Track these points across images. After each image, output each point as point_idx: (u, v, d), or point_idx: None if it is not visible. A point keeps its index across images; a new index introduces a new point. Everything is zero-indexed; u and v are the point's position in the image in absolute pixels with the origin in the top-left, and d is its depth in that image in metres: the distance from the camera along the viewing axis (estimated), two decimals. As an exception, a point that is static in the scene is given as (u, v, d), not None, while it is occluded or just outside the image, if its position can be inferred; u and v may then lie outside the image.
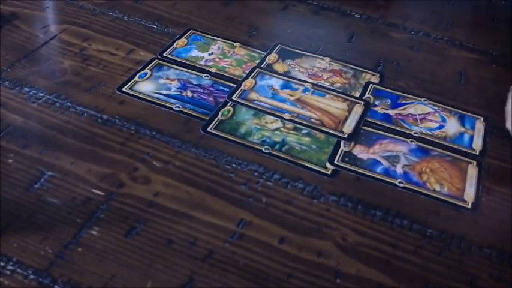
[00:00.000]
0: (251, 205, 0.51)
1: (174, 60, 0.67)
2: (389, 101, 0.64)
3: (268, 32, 0.74)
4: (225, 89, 0.63)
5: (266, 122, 0.60)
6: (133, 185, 0.52)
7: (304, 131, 0.59)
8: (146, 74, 0.65)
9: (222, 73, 0.66)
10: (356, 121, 0.61)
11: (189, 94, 0.62)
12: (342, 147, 0.58)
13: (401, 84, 0.67)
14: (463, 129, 0.62)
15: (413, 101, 0.65)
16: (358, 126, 0.60)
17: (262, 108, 0.61)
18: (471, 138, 0.61)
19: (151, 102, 0.61)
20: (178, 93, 0.62)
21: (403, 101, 0.65)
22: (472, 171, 0.57)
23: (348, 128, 0.60)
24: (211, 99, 0.62)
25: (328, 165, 0.56)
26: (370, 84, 0.67)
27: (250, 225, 0.49)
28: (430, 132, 0.61)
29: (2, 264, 0.44)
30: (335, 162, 0.56)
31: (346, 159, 0.56)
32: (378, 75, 0.68)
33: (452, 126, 0.62)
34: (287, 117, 0.60)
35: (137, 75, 0.64)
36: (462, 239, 0.50)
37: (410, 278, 0.46)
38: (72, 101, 0.60)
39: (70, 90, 0.62)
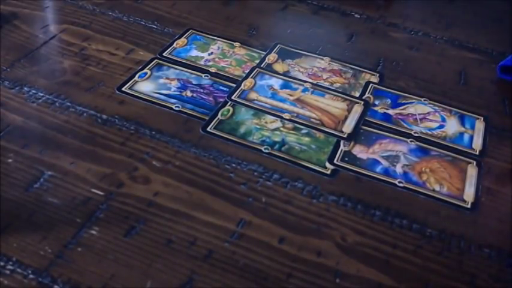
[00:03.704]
0: (251, 205, 0.51)
1: (174, 60, 0.67)
2: (389, 101, 0.64)
3: (268, 31, 0.74)
4: (225, 89, 0.63)
5: (266, 122, 0.60)
6: (133, 185, 0.52)
7: (303, 131, 0.59)
8: (146, 73, 0.65)
9: (222, 73, 0.66)
10: (356, 121, 0.61)
11: (189, 94, 0.62)
12: (342, 147, 0.58)
13: (401, 84, 0.67)
14: (463, 129, 0.62)
15: (413, 100, 0.65)
16: (358, 126, 0.60)
17: (261, 108, 0.61)
18: (471, 138, 0.61)
19: (151, 102, 0.61)
20: (178, 93, 0.62)
21: (403, 101, 0.65)
22: (472, 171, 0.57)
23: (348, 127, 0.60)
24: (211, 99, 0.62)
25: (327, 165, 0.56)
26: (370, 84, 0.67)
27: (250, 225, 0.49)
28: (430, 132, 0.61)
29: (2, 263, 0.44)
30: (335, 162, 0.56)
31: (346, 159, 0.56)
32: (378, 75, 0.68)
33: (452, 126, 0.62)
34: (287, 117, 0.60)
35: (137, 75, 0.64)
36: (462, 238, 0.50)
37: (410, 278, 0.46)
38: (72, 100, 0.60)
39: (70, 90, 0.62)
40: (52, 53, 0.67)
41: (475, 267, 0.48)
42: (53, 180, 0.51)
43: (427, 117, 0.63)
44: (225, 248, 0.47)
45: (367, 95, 0.65)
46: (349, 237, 0.49)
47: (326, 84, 0.66)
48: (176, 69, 0.66)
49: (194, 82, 0.64)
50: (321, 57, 0.70)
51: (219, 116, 0.60)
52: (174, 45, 0.70)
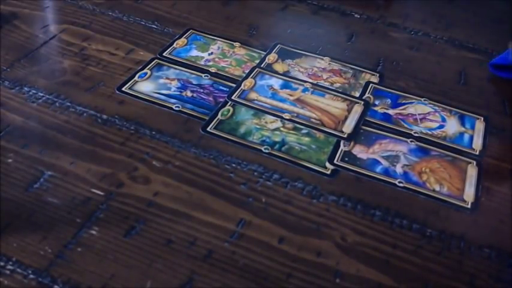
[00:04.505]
0: (251, 205, 0.51)
1: (174, 60, 0.67)
2: (389, 101, 0.64)
3: (268, 31, 0.74)
4: (225, 89, 0.63)
5: (266, 122, 0.60)
6: (132, 185, 0.52)
7: (303, 131, 0.59)
8: (146, 73, 0.65)
9: (222, 73, 0.66)
10: (356, 121, 0.61)
11: (189, 94, 0.62)
12: (342, 147, 0.58)
13: (401, 84, 0.67)
14: (463, 129, 0.62)
15: (413, 100, 0.65)
16: (358, 126, 0.60)
17: (261, 108, 0.61)
18: (471, 138, 0.61)
19: (151, 102, 0.61)
20: (178, 93, 0.62)
21: (403, 101, 0.65)
22: (472, 171, 0.57)
23: (348, 127, 0.60)
24: (211, 99, 0.62)
25: (327, 165, 0.56)
26: (370, 84, 0.67)
27: (249, 225, 0.49)
28: (430, 132, 0.61)
29: (2, 263, 0.44)
30: (335, 162, 0.56)
31: (346, 159, 0.56)
32: (378, 75, 0.68)
33: (452, 126, 0.62)
34: (287, 117, 0.60)
35: (137, 75, 0.64)
36: (462, 239, 0.50)
37: (410, 278, 0.46)
38: (72, 100, 0.60)
39: (70, 90, 0.62)
40: (52, 53, 0.67)
41: (475, 267, 0.48)
42: (53, 180, 0.51)
43: (427, 117, 0.63)
44: (225, 248, 0.47)
45: (367, 95, 0.65)
46: (349, 237, 0.49)
47: (326, 84, 0.66)
48: (176, 69, 0.66)
49: (194, 82, 0.64)
50: (321, 57, 0.70)
51: (219, 116, 0.60)
52: (174, 45, 0.70)
